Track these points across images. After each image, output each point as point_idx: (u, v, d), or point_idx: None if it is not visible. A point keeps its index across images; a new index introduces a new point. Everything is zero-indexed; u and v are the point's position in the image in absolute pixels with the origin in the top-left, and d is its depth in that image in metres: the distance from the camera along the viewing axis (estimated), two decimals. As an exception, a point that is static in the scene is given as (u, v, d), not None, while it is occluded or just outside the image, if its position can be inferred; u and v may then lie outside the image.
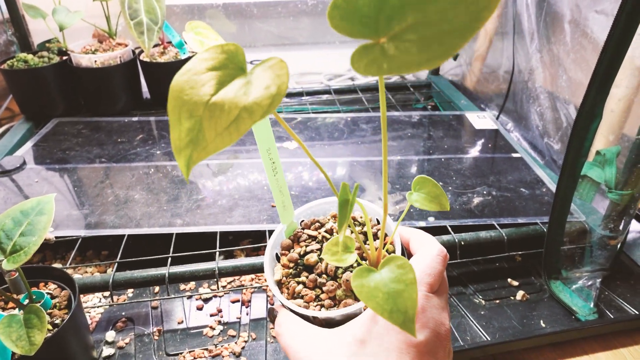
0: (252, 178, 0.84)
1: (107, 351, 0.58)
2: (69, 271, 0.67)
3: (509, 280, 0.69)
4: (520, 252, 0.69)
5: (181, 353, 0.58)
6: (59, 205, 0.76)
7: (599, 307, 0.63)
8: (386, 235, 0.40)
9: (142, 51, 1.09)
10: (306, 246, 0.41)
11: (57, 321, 0.48)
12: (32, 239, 0.43)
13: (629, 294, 0.66)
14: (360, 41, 0.20)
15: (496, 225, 0.70)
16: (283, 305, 0.38)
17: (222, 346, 0.59)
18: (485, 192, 0.79)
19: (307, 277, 0.39)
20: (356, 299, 0.36)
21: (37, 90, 1.01)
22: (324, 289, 0.37)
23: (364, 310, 0.35)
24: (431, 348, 0.32)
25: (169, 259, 0.64)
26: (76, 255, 0.74)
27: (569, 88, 0.84)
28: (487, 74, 1.16)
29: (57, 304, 0.50)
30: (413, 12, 0.18)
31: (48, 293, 0.50)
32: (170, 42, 1.13)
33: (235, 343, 0.60)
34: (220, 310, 0.65)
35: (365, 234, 0.41)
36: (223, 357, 0.58)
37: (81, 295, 0.66)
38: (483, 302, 0.65)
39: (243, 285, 0.69)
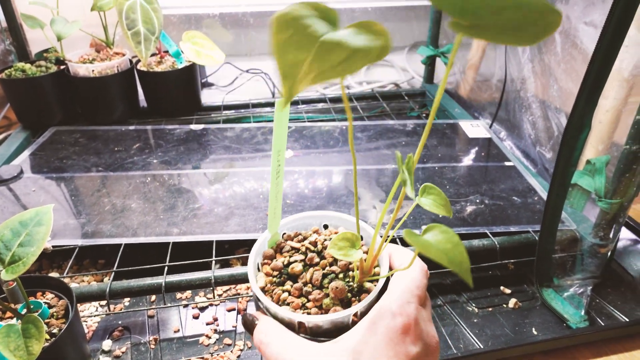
0: (248, 186, 0.84)
1: (103, 360, 0.59)
2: (66, 280, 0.67)
3: (502, 288, 0.70)
4: (512, 260, 0.70)
5: (177, 362, 0.59)
6: (56, 214, 0.76)
7: (590, 315, 0.64)
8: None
9: (139, 60, 1.10)
10: (290, 257, 0.41)
11: (55, 331, 0.48)
12: (31, 250, 0.44)
13: (620, 301, 0.67)
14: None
15: (489, 234, 0.71)
16: (268, 312, 0.37)
17: (218, 355, 0.60)
18: (478, 201, 0.80)
19: (291, 285, 0.38)
20: (344, 307, 0.36)
21: (35, 99, 1.01)
22: (310, 297, 0.37)
23: (353, 318, 0.36)
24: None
25: (166, 268, 0.64)
26: (73, 264, 0.75)
27: (560, 97, 0.85)
28: (480, 83, 1.18)
29: (55, 314, 0.50)
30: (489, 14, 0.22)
31: (45, 302, 0.51)
32: (167, 52, 1.14)
33: (231, 352, 0.60)
34: (216, 319, 0.65)
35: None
36: (219, 365, 0.59)
37: (78, 305, 0.66)
38: (476, 310, 0.66)
39: (239, 294, 0.69)
